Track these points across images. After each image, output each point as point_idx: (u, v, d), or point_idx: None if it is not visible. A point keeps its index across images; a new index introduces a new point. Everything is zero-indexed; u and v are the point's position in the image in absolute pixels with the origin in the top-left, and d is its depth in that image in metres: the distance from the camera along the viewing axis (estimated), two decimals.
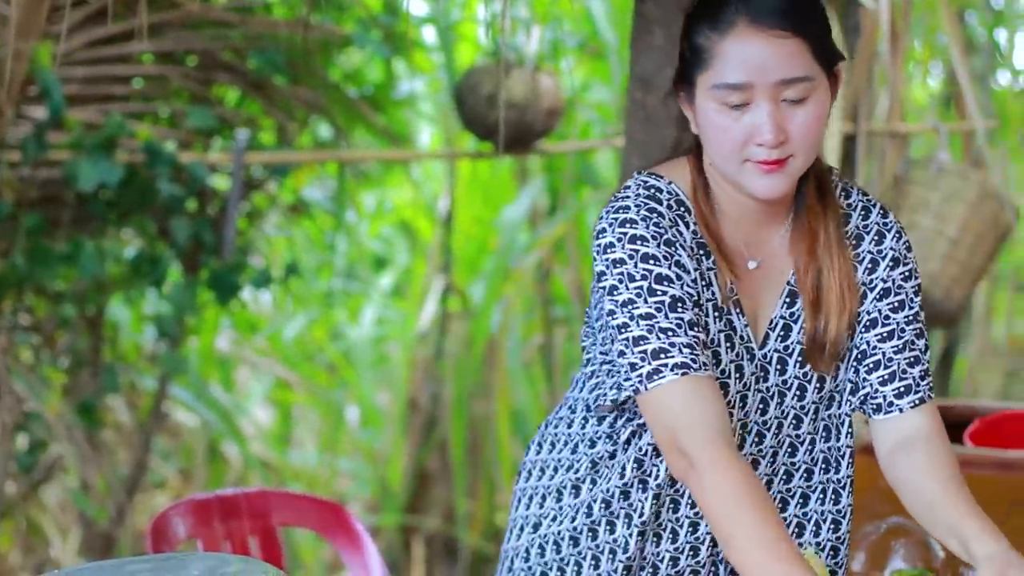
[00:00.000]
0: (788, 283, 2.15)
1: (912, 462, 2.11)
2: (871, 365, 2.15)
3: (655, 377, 2.01)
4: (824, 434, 2.21)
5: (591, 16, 6.25)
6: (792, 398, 2.16)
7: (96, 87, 4.35)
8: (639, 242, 2.05)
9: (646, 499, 2.14)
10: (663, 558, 2.17)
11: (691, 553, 2.16)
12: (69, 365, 4.64)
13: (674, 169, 2.15)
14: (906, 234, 2.21)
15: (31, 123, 4.13)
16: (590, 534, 2.18)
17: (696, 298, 2.06)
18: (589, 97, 6.66)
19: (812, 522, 2.22)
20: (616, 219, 2.07)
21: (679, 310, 2.03)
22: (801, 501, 2.21)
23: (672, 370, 2.00)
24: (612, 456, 2.18)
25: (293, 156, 4.78)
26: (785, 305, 2.15)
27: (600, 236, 2.08)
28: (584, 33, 6.49)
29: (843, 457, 2.21)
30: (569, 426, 2.26)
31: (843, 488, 2.22)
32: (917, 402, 2.14)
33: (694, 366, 2.00)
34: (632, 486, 2.16)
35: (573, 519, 2.20)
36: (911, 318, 2.16)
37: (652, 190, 2.10)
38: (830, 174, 2.18)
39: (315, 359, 7.34)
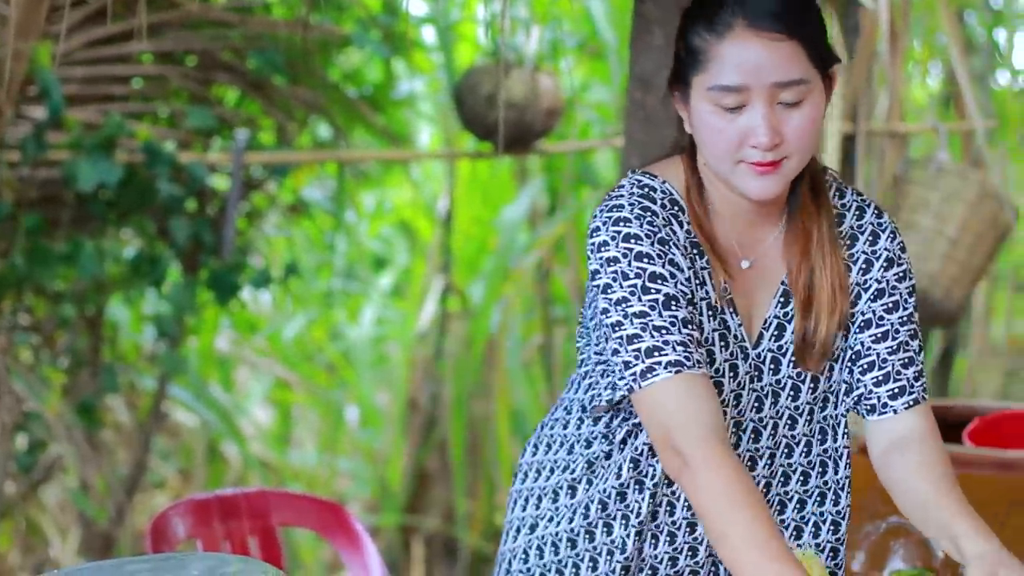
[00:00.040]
0: (782, 283, 2.15)
1: (905, 462, 2.11)
2: (865, 366, 2.15)
3: (649, 375, 2.01)
4: (820, 436, 2.21)
5: (590, 16, 6.25)
6: (786, 398, 2.16)
7: (95, 87, 4.35)
8: (633, 240, 2.05)
9: (643, 499, 2.14)
10: (661, 559, 2.17)
11: (689, 553, 2.16)
12: (68, 365, 4.64)
13: (668, 168, 2.15)
14: (900, 235, 2.20)
15: (30, 123, 4.13)
16: (587, 536, 2.18)
17: (690, 296, 2.06)
18: (588, 97, 6.66)
19: (811, 524, 2.22)
20: (610, 217, 2.07)
21: (673, 308, 2.03)
22: (799, 506, 2.21)
23: (666, 368, 2.00)
24: (608, 456, 2.18)
25: (292, 156, 4.78)
26: (779, 305, 2.15)
27: (594, 234, 2.08)
28: (583, 33, 6.49)
29: (840, 458, 2.21)
30: (564, 427, 2.26)
31: (842, 489, 2.22)
32: (911, 403, 2.14)
33: (688, 364, 2.00)
34: (628, 487, 2.15)
35: (571, 520, 2.20)
36: (905, 319, 2.16)
37: (646, 189, 2.10)
38: (824, 174, 2.18)
39: (315, 359, 7.35)
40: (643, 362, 2.01)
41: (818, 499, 2.21)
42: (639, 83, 3.12)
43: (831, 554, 2.23)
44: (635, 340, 2.02)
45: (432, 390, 6.71)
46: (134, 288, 4.61)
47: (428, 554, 6.75)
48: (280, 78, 4.64)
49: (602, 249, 2.06)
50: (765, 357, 2.15)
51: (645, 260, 2.04)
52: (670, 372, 2.00)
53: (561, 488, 2.22)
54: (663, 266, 2.05)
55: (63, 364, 4.66)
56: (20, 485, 4.72)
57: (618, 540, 2.16)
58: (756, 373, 2.14)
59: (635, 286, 2.04)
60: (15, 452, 4.36)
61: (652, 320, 2.02)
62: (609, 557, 2.17)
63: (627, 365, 2.03)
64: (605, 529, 2.17)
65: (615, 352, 2.04)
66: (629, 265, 2.04)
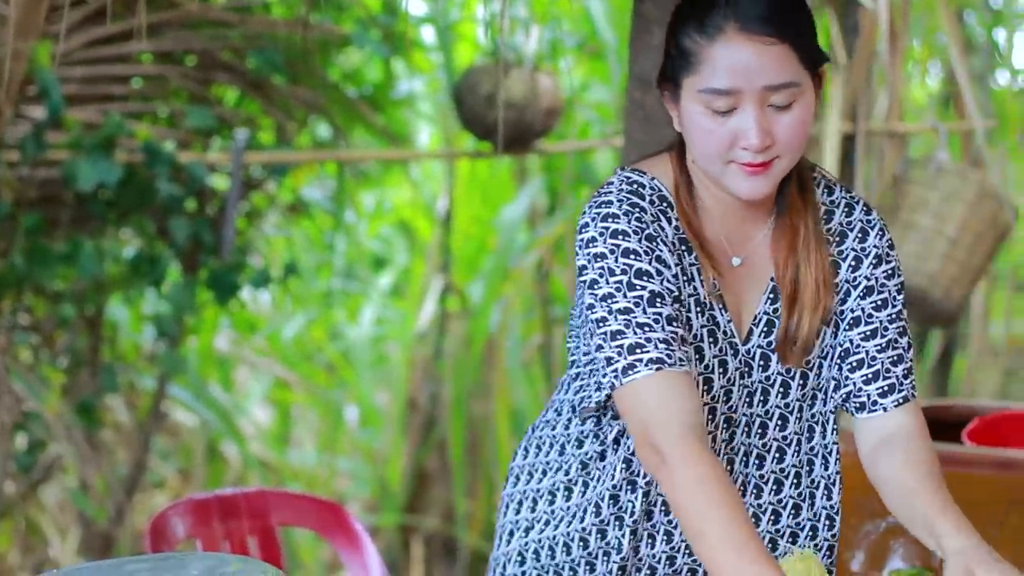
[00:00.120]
0: (771, 280, 2.15)
1: (893, 459, 2.11)
2: (854, 363, 2.15)
3: (630, 372, 2.01)
4: (808, 433, 2.21)
5: (590, 16, 6.25)
6: (776, 395, 2.17)
7: (95, 87, 4.35)
8: (621, 237, 2.05)
9: (636, 499, 2.14)
10: (660, 558, 2.17)
11: (687, 551, 2.16)
12: (68, 365, 4.64)
13: (657, 165, 2.15)
14: (889, 232, 2.21)
15: (30, 123, 4.13)
16: (581, 543, 2.19)
17: (676, 294, 2.07)
18: (588, 97, 6.66)
19: (808, 527, 2.22)
20: (599, 214, 2.08)
21: (657, 305, 2.03)
22: (794, 511, 2.21)
23: (647, 365, 2.00)
24: (602, 457, 2.18)
25: (292, 156, 4.78)
26: (769, 301, 2.15)
27: (583, 231, 2.09)
28: (583, 33, 6.49)
29: (830, 455, 2.22)
30: (554, 428, 2.26)
31: (833, 485, 2.22)
32: (901, 401, 2.15)
33: (669, 361, 2.00)
34: (620, 488, 2.16)
35: (569, 523, 2.20)
36: (894, 316, 2.17)
37: (635, 185, 2.10)
38: (812, 171, 2.19)
39: (314, 359, 7.35)
40: (625, 359, 2.01)
41: (809, 499, 2.21)
42: (638, 83, 3.12)
43: (827, 552, 2.23)
44: (618, 336, 2.02)
45: (432, 390, 6.71)
46: (134, 288, 4.61)
47: (427, 554, 6.75)
48: (280, 78, 4.64)
49: (590, 245, 2.07)
50: (755, 353, 2.15)
51: (632, 256, 2.05)
52: (651, 369, 2.00)
53: (557, 490, 2.22)
54: (650, 263, 2.05)
55: (63, 364, 4.66)
56: (20, 485, 4.72)
57: (613, 542, 2.16)
58: (746, 369, 2.15)
59: (621, 282, 2.04)
60: (15, 452, 4.36)
61: (636, 317, 2.02)
62: (606, 559, 2.17)
63: (609, 361, 2.03)
64: (600, 535, 2.17)
65: (599, 348, 2.05)
66: (616, 261, 2.05)
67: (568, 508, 2.20)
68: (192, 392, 5.80)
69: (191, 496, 2.98)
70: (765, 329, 2.15)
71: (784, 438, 2.18)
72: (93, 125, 4.25)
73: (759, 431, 2.17)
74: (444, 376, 6.61)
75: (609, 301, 2.04)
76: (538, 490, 2.25)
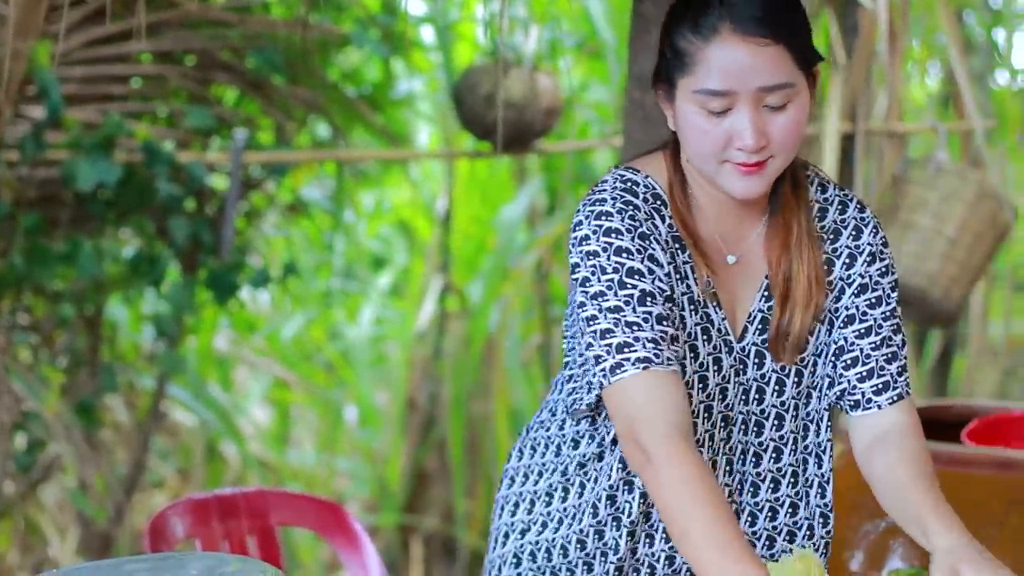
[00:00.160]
0: (766, 277, 2.16)
1: (886, 457, 2.11)
2: (848, 361, 2.16)
3: (618, 371, 2.02)
4: (803, 432, 2.21)
5: (589, 16, 6.25)
6: (772, 393, 2.17)
7: (94, 87, 4.35)
8: (614, 235, 2.06)
9: (633, 499, 2.14)
10: (658, 557, 2.17)
11: None
12: (67, 365, 4.64)
13: (651, 163, 2.16)
14: (882, 229, 2.21)
15: (29, 122, 4.13)
16: (579, 545, 2.19)
17: (668, 292, 2.07)
18: (587, 97, 6.66)
19: (805, 526, 2.22)
20: (592, 211, 2.08)
21: (648, 304, 2.03)
22: (791, 509, 2.21)
23: (634, 364, 2.01)
24: (600, 458, 2.18)
25: (291, 156, 4.78)
26: (763, 299, 2.16)
27: (577, 229, 2.09)
28: (582, 33, 6.49)
29: (824, 453, 2.22)
30: (548, 429, 2.26)
31: (827, 483, 2.23)
32: (895, 398, 2.15)
33: (656, 360, 2.01)
34: (618, 488, 2.16)
35: (569, 525, 2.20)
36: (888, 314, 2.17)
37: (629, 184, 2.11)
38: (805, 169, 2.19)
39: (313, 359, 7.34)
40: (613, 357, 2.02)
41: (805, 497, 2.21)
42: (638, 82, 3.12)
43: (824, 549, 2.24)
44: (607, 335, 2.03)
45: (431, 390, 6.71)
46: (133, 288, 4.61)
47: (427, 554, 6.75)
48: (279, 78, 4.64)
49: (583, 243, 2.07)
50: (749, 351, 2.15)
51: (624, 255, 2.05)
52: (638, 368, 2.00)
53: (554, 492, 2.22)
54: (642, 261, 2.05)
55: (62, 364, 4.66)
56: (19, 484, 4.72)
57: (611, 542, 2.16)
58: (740, 367, 2.15)
59: (612, 280, 2.04)
60: (14, 451, 4.36)
61: (626, 315, 2.02)
62: (603, 559, 2.17)
63: (598, 360, 2.04)
64: (597, 535, 2.17)
65: (589, 346, 2.05)
66: (608, 259, 2.05)
67: (565, 510, 2.20)
68: (191, 392, 5.80)
69: (190, 496, 2.98)
70: (760, 327, 2.15)
71: (780, 437, 2.19)
72: (92, 125, 4.25)
73: (755, 429, 2.17)
74: (443, 376, 6.61)
75: (600, 299, 2.04)
76: (535, 492, 2.24)
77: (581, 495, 2.19)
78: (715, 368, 2.13)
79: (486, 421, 6.54)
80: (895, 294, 2.19)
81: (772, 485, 2.19)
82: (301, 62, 4.73)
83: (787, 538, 2.21)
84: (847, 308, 2.16)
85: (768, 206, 2.16)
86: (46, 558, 5.25)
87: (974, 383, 5.93)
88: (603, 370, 2.03)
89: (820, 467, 2.22)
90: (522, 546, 2.23)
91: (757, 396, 2.17)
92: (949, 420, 3.36)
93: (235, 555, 2.30)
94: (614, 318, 2.03)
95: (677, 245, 2.11)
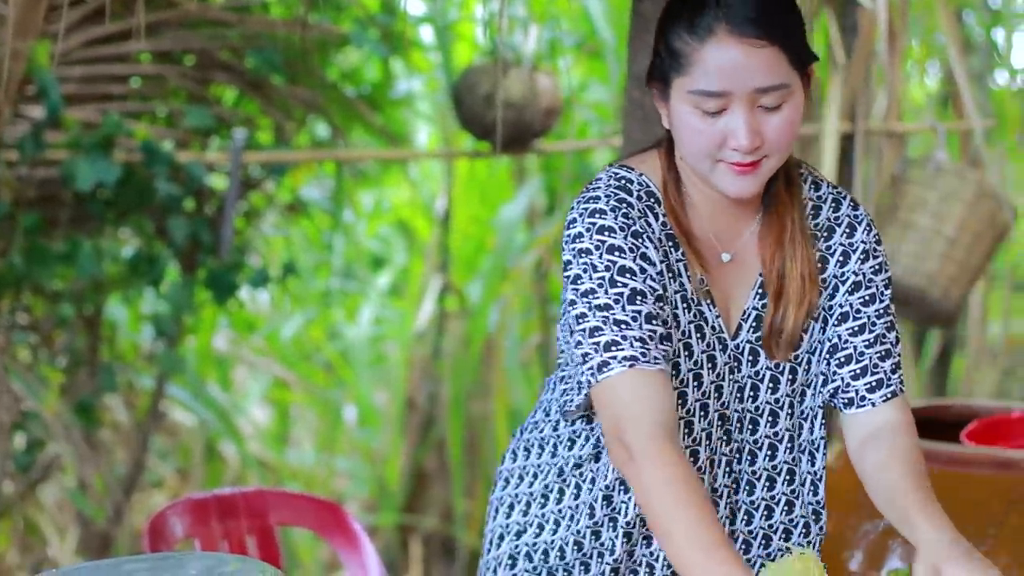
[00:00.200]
0: (760, 275, 2.16)
1: (877, 454, 2.12)
2: (842, 359, 2.16)
3: (605, 369, 2.02)
4: (798, 429, 2.21)
5: (589, 15, 6.25)
6: (766, 391, 2.17)
7: (94, 86, 4.35)
8: (607, 233, 2.06)
9: (629, 500, 2.14)
10: (657, 558, 2.17)
11: None
12: (67, 364, 4.64)
13: (646, 162, 2.16)
14: (876, 227, 2.22)
15: (29, 122, 4.13)
16: (576, 546, 2.19)
17: (659, 292, 2.07)
18: (587, 96, 6.66)
19: (802, 524, 2.23)
20: (586, 209, 2.09)
21: (637, 303, 2.04)
22: (787, 507, 2.21)
23: (621, 362, 2.01)
24: (596, 459, 2.18)
25: (291, 155, 4.78)
26: (757, 297, 2.16)
27: (571, 226, 2.10)
28: (582, 32, 6.49)
29: (817, 450, 2.23)
30: (543, 430, 2.26)
31: (820, 480, 2.23)
32: (889, 395, 2.16)
33: (643, 359, 2.01)
34: (614, 489, 2.16)
35: (568, 527, 2.19)
36: (882, 312, 2.17)
37: (623, 181, 2.11)
38: (799, 167, 2.20)
39: (313, 358, 7.34)
40: (601, 355, 2.02)
41: (800, 495, 2.22)
42: (637, 82, 3.12)
43: (817, 547, 2.24)
44: (596, 333, 2.03)
45: (430, 389, 6.71)
46: (132, 287, 4.61)
47: (426, 553, 6.75)
48: (278, 77, 4.63)
49: (576, 240, 2.08)
50: (744, 348, 2.15)
51: (616, 253, 2.05)
52: (625, 366, 2.01)
53: (549, 493, 2.22)
54: (634, 260, 2.05)
55: (61, 363, 4.66)
56: (18, 484, 4.71)
57: (607, 543, 2.16)
58: (735, 364, 2.15)
59: (603, 278, 2.04)
60: (13, 451, 4.36)
61: (615, 314, 2.03)
62: (599, 560, 2.17)
63: (586, 358, 2.04)
64: (594, 536, 2.17)
65: (578, 344, 2.06)
66: (600, 257, 2.05)
67: (561, 511, 2.20)
68: (191, 392, 5.80)
69: (189, 496, 2.98)
70: (754, 324, 2.16)
71: (775, 434, 2.19)
72: (92, 125, 4.25)
73: (750, 427, 2.18)
74: (443, 376, 6.61)
75: (590, 297, 2.04)
76: (530, 493, 2.24)
77: (577, 496, 2.19)
78: (709, 366, 2.13)
79: (485, 421, 6.54)
80: (888, 292, 2.19)
81: (768, 483, 2.20)
82: (300, 62, 4.73)
83: (783, 536, 2.21)
84: (841, 306, 2.17)
85: (762, 204, 2.16)
86: (45, 558, 5.24)
87: (973, 383, 5.93)
88: (591, 368, 2.03)
89: (813, 464, 2.22)
90: (517, 547, 2.23)
91: (752, 393, 2.17)
92: (948, 420, 3.36)
93: (234, 555, 2.30)
94: (603, 316, 2.03)
95: (671, 243, 2.11)
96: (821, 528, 2.24)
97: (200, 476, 6.29)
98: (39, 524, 5.31)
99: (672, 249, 2.11)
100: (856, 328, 2.16)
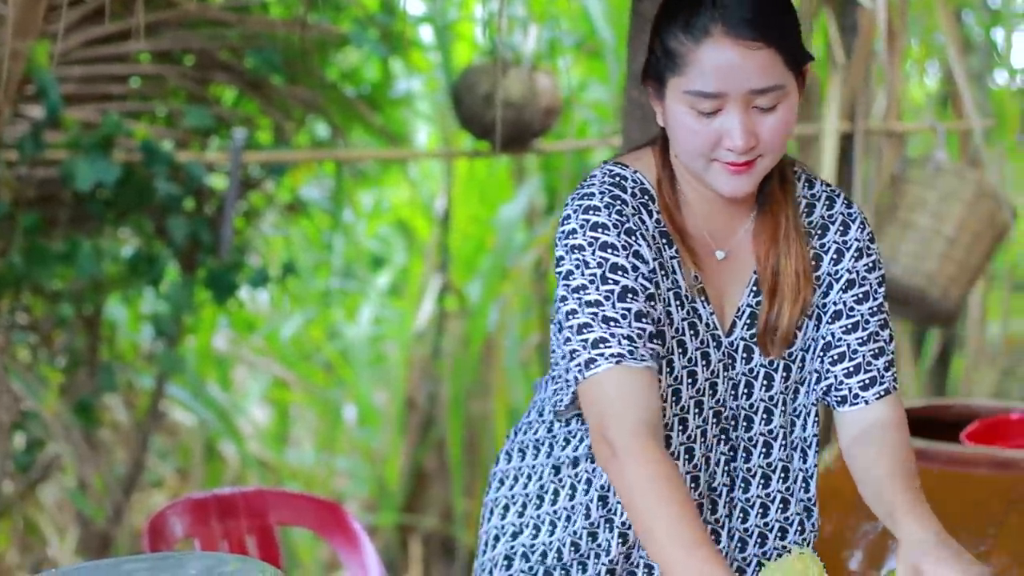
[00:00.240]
0: (754, 273, 2.17)
1: (868, 451, 2.12)
2: (835, 356, 2.16)
3: (592, 365, 2.02)
4: (790, 426, 2.21)
5: (588, 15, 6.25)
6: (760, 388, 2.18)
7: (93, 86, 4.35)
8: (600, 230, 2.06)
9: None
10: None
11: None
12: (66, 364, 4.64)
13: (641, 159, 2.16)
14: (869, 225, 2.22)
15: (28, 122, 4.13)
16: (573, 547, 2.19)
17: (650, 290, 2.07)
18: (586, 96, 6.66)
19: (797, 522, 2.23)
20: (580, 206, 2.09)
21: (628, 300, 2.04)
22: (782, 505, 2.22)
23: (608, 359, 2.01)
24: (591, 459, 2.18)
25: (290, 155, 4.78)
26: (752, 294, 2.16)
27: (565, 222, 2.10)
28: (581, 32, 6.49)
29: (809, 447, 2.23)
30: (536, 431, 2.26)
31: (811, 478, 2.24)
32: (882, 393, 2.16)
33: (630, 356, 2.01)
34: (609, 489, 2.16)
35: (564, 528, 2.19)
36: (875, 309, 2.18)
37: (617, 178, 2.11)
38: (792, 166, 2.20)
39: (312, 358, 7.34)
40: (588, 352, 2.03)
41: (794, 492, 2.22)
42: (636, 82, 3.12)
43: (811, 544, 2.25)
44: (585, 330, 2.04)
45: (430, 389, 6.71)
46: (132, 287, 4.61)
47: (426, 553, 6.75)
48: (278, 77, 4.63)
49: (570, 236, 2.08)
50: (738, 345, 2.16)
51: (609, 250, 2.05)
52: (611, 363, 2.01)
53: (545, 493, 2.22)
54: (626, 258, 2.06)
55: (61, 363, 4.66)
56: (18, 484, 4.71)
57: (604, 544, 2.16)
58: (729, 361, 2.16)
59: (595, 275, 2.05)
60: (13, 451, 4.36)
61: (604, 310, 2.03)
62: (596, 560, 2.17)
63: (574, 355, 2.05)
64: (591, 537, 2.17)
65: (567, 341, 2.06)
66: (593, 254, 2.06)
67: (556, 512, 2.20)
68: (190, 391, 5.80)
69: (189, 495, 2.98)
70: (748, 322, 2.16)
71: (770, 431, 2.19)
72: (91, 124, 4.25)
73: (745, 424, 2.18)
74: (442, 375, 6.61)
75: (581, 293, 2.05)
76: (525, 494, 2.24)
77: (572, 497, 2.19)
78: (704, 363, 2.13)
79: (485, 420, 6.54)
80: (882, 290, 2.20)
81: (763, 481, 2.20)
82: (300, 62, 4.73)
83: (779, 535, 2.22)
84: (834, 304, 2.17)
85: (756, 203, 2.17)
86: (45, 558, 5.25)
87: (972, 383, 5.93)
88: (578, 365, 2.04)
89: (805, 462, 2.23)
90: (513, 548, 2.23)
91: (746, 391, 2.17)
92: (948, 420, 3.36)
93: (234, 555, 2.30)
94: (592, 312, 2.03)
95: (664, 240, 2.11)
96: (814, 525, 2.25)
97: (200, 476, 6.29)
98: (39, 524, 5.31)
99: (666, 246, 2.11)
100: (849, 326, 2.16)
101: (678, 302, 2.11)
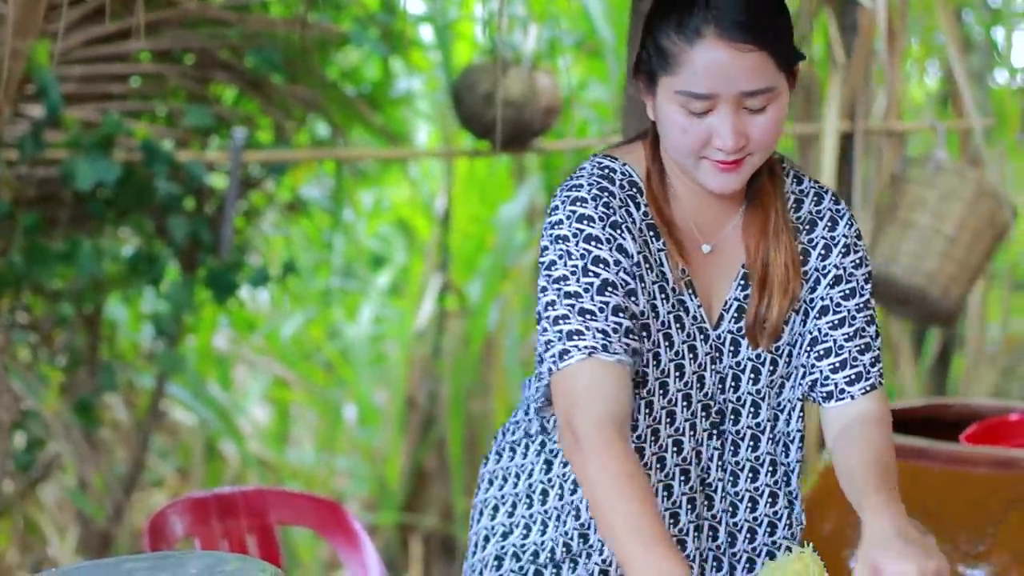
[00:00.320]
0: (742, 267, 2.17)
1: (848, 444, 2.12)
2: (822, 352, 2.17)
3: (565, 357, 2.03)
4: (774, 420, 2.22)
5: (588, 14, 6.26)
6: (748, 381, 2.18)
7: (93, 86, 4.35)
8: (586, 222, 2.07)
9: None
10: None
11: (679, 547, 2.17)
12: (67, 363, 4.64)
13: (631, 152, 2.17)
14: (857, 222, 2.23)
15: (28, 121, 4.13)
16: (564, 548, 2.19)
17: (631, 285, 2.07)
18: (586, 95, 6.66)
19: (785, 516, 2.23)
20: (568, 197, 2.10)
21: (606, 294, 2.04)
22: (771, 499, 2.22)
23: (581, 351, 2.02)
24: None
25: (290, 154, 4.78)
26: (739, 287, 2.17)
27: (552, 213, 2.11)
28: (581, 31, 6.49)
29: (792, 442, 2.23)
30: (525, 431, 2.27)
31: (793, 472, 2.24)
32: (868, 388, 2.17)
33: (602, 350, 2.01)
34: None
35: (555, 528, 2.19)
36: (862, 305, 2.18)
37: (606, 170, 2.12)
38: (781, 162, 2.21)
39: (313, 357, 7.34)
40: (563, 343, 2.03)
41: (782, 486, 2.23)
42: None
43: (798, 539, 2.25)
44: (561, 321, 2.04)
45: (430, 388, 6.71)
46: (132, 287, 4.61)
47: (426, 552, 6.75)
48: (278, 76, 4.64)
49: (556, 227, 2.09)
50: (725, 339, 2.16)
51: (593, 243, 2.06)
52: (584, 354, 2.02)
53: (534, 493, 2.22)
54: (610, 251, 2.06)
55: (61, 362, 4.66)
56: (18, 483, 4.72)
57: (595, 543, 2.17)
58: (716, 354, 2.16)
59: (577, 267, 2.06)
60: (13, 450, 4.36)
61: (583, 303, 2.04)
62: (587, 560, 2.18)
63: (548, 346, 2.06)
64: (582, 538, 2.18)
65: (543, 331, 2.07)
66: (577, 245, 2.06)
67: (547, 512, 2.20)
68: (191, 391, 5.80)
69: (189, 495, 2.99)
70: (735, 315, 2.17)
71: (757, 425, 2.20)
72: (91, 124, 4.25)
73: (732, 417, 2.19)
74: (443, 375, 6.61)
75: (562, 284, 2.06)
76: (515, 494, 2.24)
77: (562, 496, 2.19)
78: (691, 356, 2.14)
79: (485, 420, 6.54)
80: (869, 286, 2.21)
81: (751, 474, 2.21)
82: (300, 61, 4.73)
83: (768, 530, 2.22)
84: (822, 299, 2.18)
85: (745, 197, 2.17)
86: (45, 557, 5.25)
87: (972, 382, 5.93)
88: (553, 356, 2.05)
89: (787, 456, 2.24)
90: (503, 548, 2.23)
91: (733, 384, 2.18)
92: (948, 419, 3.36)
93: (234, 554, 2.30)
94: (570, 304, 2.04)
95: (652, 233, 2.12)
96: (798, 517, 2.25)
97: (200, 475, 6.29)
98: (39, 523, 5.31)
99: (653, 239, 2.12)
100: (836, 322, 2.17)
101: (663, 295, 2.12)
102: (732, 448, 2.19)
